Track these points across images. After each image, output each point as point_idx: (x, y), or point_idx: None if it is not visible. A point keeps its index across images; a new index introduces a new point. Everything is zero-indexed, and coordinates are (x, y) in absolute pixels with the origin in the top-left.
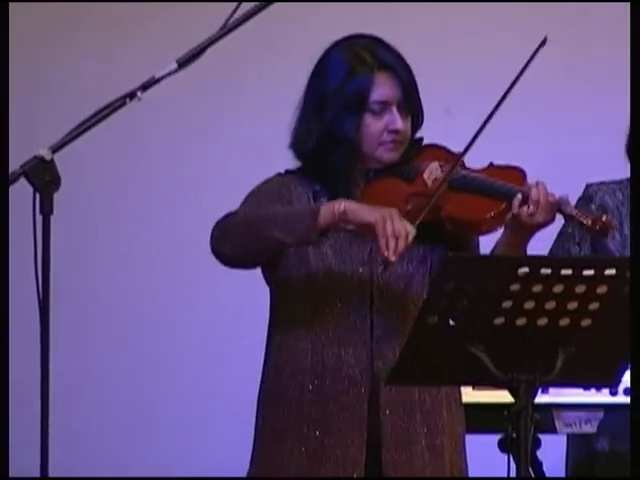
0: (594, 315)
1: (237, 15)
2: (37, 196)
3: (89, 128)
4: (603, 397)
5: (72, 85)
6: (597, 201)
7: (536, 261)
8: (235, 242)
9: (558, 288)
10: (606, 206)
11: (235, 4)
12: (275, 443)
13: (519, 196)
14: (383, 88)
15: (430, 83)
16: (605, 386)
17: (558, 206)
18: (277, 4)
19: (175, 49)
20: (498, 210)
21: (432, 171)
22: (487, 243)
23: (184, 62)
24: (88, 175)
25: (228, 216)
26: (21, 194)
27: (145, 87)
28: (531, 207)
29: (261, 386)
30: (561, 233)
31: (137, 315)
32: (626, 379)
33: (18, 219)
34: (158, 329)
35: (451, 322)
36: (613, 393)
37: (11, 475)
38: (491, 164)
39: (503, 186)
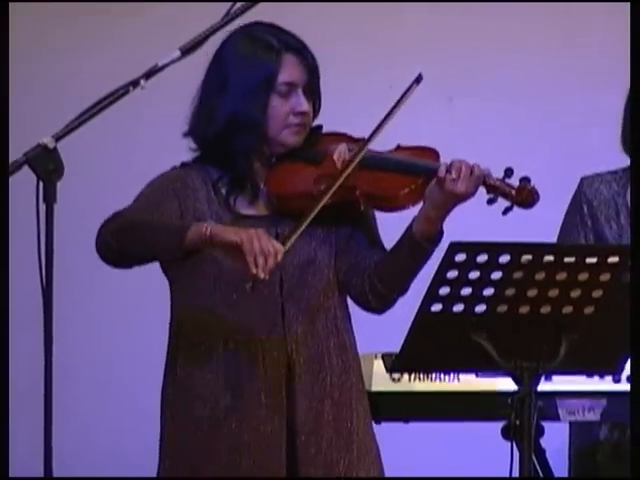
0: (597, 303)
1: (240, 3)
2: (40, 185)
3: (93, 116)
4: (606, 385)
5: (75, 73)
6: (591, 194)
7: (539, 249)
8: (114, 247)
9: (561, 276)
10: (601, 197)
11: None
12: (187, 437)
13: (442, 167)
14: (290, 70)
15: (433, 72)
16: (608, 374)
17: (482, 178)
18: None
19: (178, 38)
20: (416, 185)
21: (341, 152)
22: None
23: (187, 50)
24: (92, 163)
25: (113, 217)
26: (24, 183)
27: (148, 75)
28: (454, 173)
29: (167, 377)
30: (565, 222)
31: (140, 305)
32: (629, 366)
33: (21, 208)
34: (163, 318)
35: (456, 308)
36: (616, 381)
37: (13, 475)
38: (399, 146)
39: (421, 163)
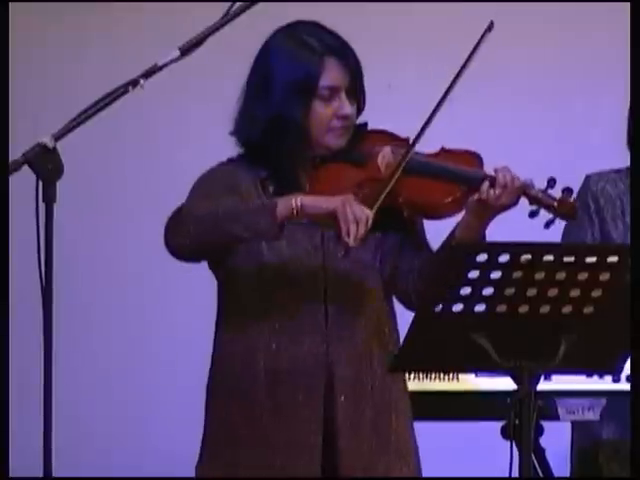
0: (596, 302)
1: (239, 3)
2: (40, 184)
3: (92, 116)
4: (605, 384)
5: (74, 73)
6: (598, 192)
7: (539, 248)
8: (193, 237)
9: (560, 275)
10: (607, 196)
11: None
12: (227, 434)
13: (487, 180)
14: (332, 73)
15: (433, 73)
16: (607, 373)
17: (523, 189)
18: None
19: (178, 36)
20: (459, 194)
21: (385, 156)
22: (446, 227)
23: (186, 50)
24: (91, 163)
25: (181, 210)
26: (24, 182)
27: (147, 75)
28: (498, 190)
29: (211, 373)
30: (574, 224)
31: (138, 304)
32: (629, 366)
33: (21, 207)
34: (160, 319)
35: (456, 308)
36: (615, 380)
37: (12, 475)
38: (443, 148)
39: (467, 171)
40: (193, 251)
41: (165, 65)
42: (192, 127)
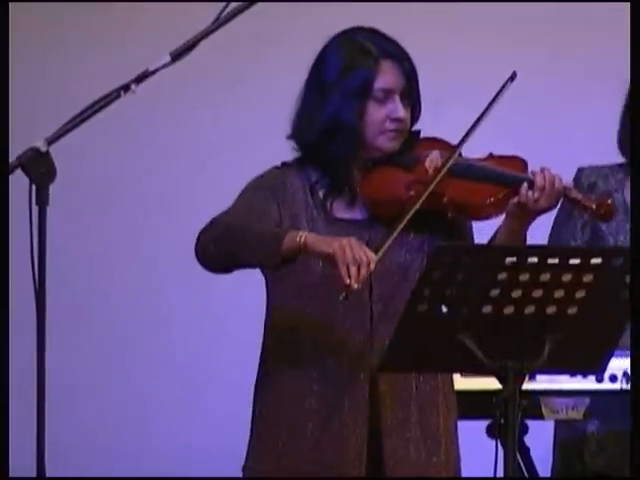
0: (580, 303)
1: (229, 8)
2: (33, 187)
3: (84, 120)
4: (589, 384)
5: (69, 78)
6: (589, 186)
7: (523, 250)
8: (212, 252)
9: (545, 277)
10: (598, 191)
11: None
12: (274, 433)
13: (525, 183)
14: (387, 76)
15: (420, 76)
16: (591, 373)
17: (564, 192)
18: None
19: (170, 42)
20: (500, 196)
21: (433, 159)
22: (488, 230)
23: (177, 55)
24: (84, 166)
25: (213, 223)
26: (17, 185)
27: (139, 80)
28: (536, 193)
29: (259, 376)
30: (564, 216)
31: (132, 305)
32: (612, 366)
33: (14, 210)
34: (155, 320)
35: (443, 308)
36: (599, 380)
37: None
38: (491, 154)
39: (507, 173)
40: (215, 265)
41: (156, 70)
42: (187, 132)
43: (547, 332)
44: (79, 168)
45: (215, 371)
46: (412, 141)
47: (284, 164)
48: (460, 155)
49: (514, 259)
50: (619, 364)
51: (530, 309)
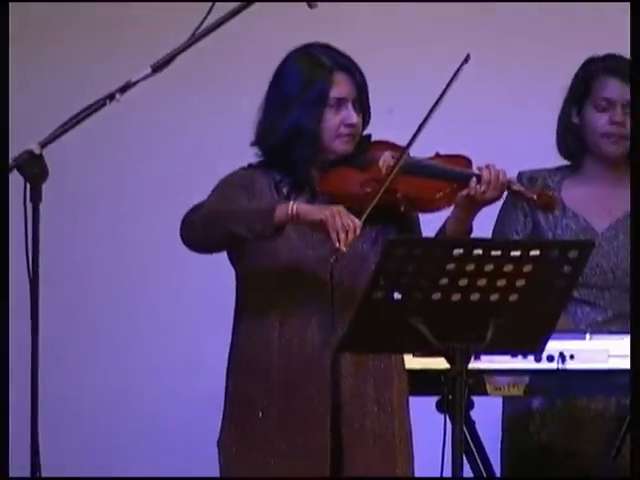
0: (520, 291)
1: (205, 25)
2: (27, 186)
3: (74, 125)
4: (529, 363)
5: (60, 86)
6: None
7: (469, 243)
8: (201, 232)
9: (488, 267)
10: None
11: (202, 15)
12: (245, 408)
13: (474, 177)
14: (341, 86)
15: (374, 85)
16: (530, 353)
17: (507, 185)
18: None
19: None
20: (449, 190)
21: (386, 159)
22: (435, 221)
23: (157, 67)
24: (74, 167)
25: (196, 208)
26: (13, 185)
27: (123, 90)
28: (483, 186)
29: (231, 355)
30: (508, 212)
31: (125, 300)
32: (549, 347)
33: (11, 207)
34: (154, 315)
35: (396, 296)
36: (537, 360)
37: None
38: (437, 154)
39: (455, 169)
40: (203, 245)
41: (138, 81)
42: (171, 132)
43: (490, 317)
44: (69, 169)
45: (207, 363)
46: (364, 144)
47: (250, 165)
48: (409, 155)
49: (461, 251)
50: (555, 346)
51: (475, 296)
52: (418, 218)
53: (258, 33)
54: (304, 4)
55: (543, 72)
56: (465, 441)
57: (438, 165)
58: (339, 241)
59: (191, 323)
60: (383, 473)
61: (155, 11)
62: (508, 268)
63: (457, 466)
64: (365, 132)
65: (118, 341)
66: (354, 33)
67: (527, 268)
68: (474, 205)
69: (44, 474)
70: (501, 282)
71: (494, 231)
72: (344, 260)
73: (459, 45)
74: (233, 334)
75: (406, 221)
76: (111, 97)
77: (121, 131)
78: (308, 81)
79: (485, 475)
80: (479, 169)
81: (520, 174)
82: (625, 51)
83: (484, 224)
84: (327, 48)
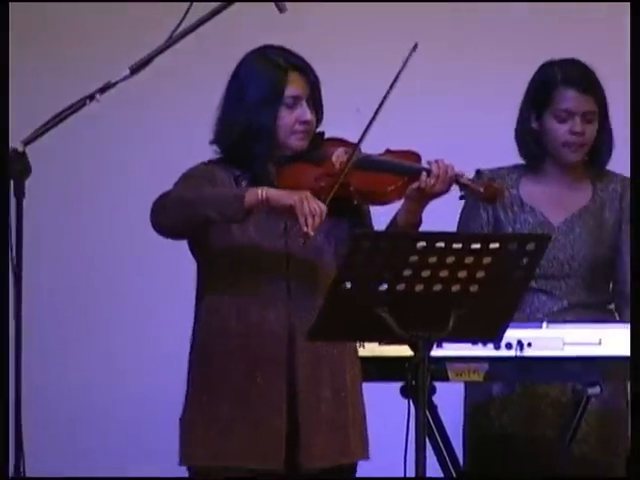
0: (480, 282)
1: (180, 28)
2: (11, 183)
3: (56, 124)
4: (488, 351)
5: (50, 85)
6: None
7: (432, 236)
8: (173, 217)
9: (450, 259)
10: None
11: (178, 19)
12: (206, 392)
13: (424, 171)
14: (295, 85)
15: (341, 85)
16: (490, 341)
17: (455, 178)
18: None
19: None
20: (400, 184)
21: (339, 155)
22: (384, 213)
23: (136, 69)
24: (55, 164)
25: (164, 195)
26: None
27: (102, 90)
28: (433, 180)
29: (192, 341)
30: (471, 210)
31: (113, 293)
32: (507, 335)
33: None
34: (147, 312)
35: (361, 287)
36: (496, 347)
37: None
38: (388, 150)
39: (405, 164)
40: (173, 229)
41: (117, 82)
42: (167, 124)
43: (452, 307)
44: (51, 166)
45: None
46: (318, 140)
47: (210, 161)
48: (361, 151)
49: (424, 244)
50: (514, 334)
51: (437, 287)
52: (369, 210)
53: (238, 32)
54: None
55: (506, 72)
56: (428, 424)
57: (389, 160)
58: (307, 225)
59: (185, 317)
60: (338, 455)
61: (142, 11)
62: (469, 260)
63: (420, 448)
64: (322, 129)
65: (106, 335)
66: (322, 33)
67: (487, 260)
68: (424, 198)
69: (32, 474)
70: (462, 273)
71: (459, 227)
72: (300, 252)
73: (426, 45)
74: (194, 321)
75: (358, 214)
76: (91, 97)
77: (105, 128)
78: (264, 81)
79: (446, 456)
80: (429, 163)
81: (478, 172)
82: (622, 52)
83: (435, 219)
84: (282, 49)
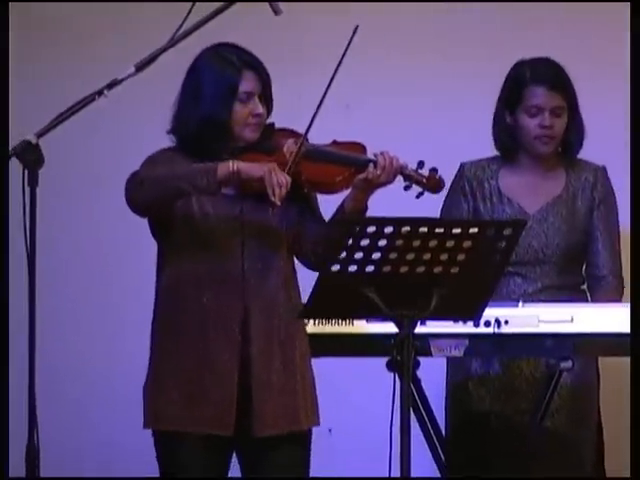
0: (461, 264)
1: (182, 30)
2: (25, 172)
3: (67, 118)
4: (468, 328)
5: (55, 83)
6: (471, 177)
7: (416, 222)
8: (150, 192)
9: (433, 243)
10: (478, 180)
11: (180, 20)
12: (165, 361)
13: (372, 163)
14: (248, 82)
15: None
16: (469, 319)
17: (400, 169)
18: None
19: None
20: (347, 174)
21: (290, 146)
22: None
23: (140, 67)
24: (66, 155)
25: (136, 174)
26: (13, 171)
27: (110, 86)
28: (379, 171)
29: (154, 315)
30: (450, 198)
31: (126, 283)
32: (486, 314)
33: (11, 191)
34: (139, 286)
35: (350, 269)
36: (476, 325)
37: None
38: (334, 141)
39: (352, 156)
40: (150, 204)
41: (124, 79)
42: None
43: (434, 287)
44: (62, 157)
45: None
46: (269, 131)
47: (170, 148)
48: (309, 142)
49: (408, 228)
50: (492, 312)
51: (421, 269)
52: (317, 197)
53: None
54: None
55: (485, 69)
56: (412, 396)
57: (338, 152)
58: (274, 195)
59: None
60: (288, 421)
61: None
62: (450, 244)
63: (405, 418)
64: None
65: (120, 321)
66: (314, 33)
67: (467, 244)
68: (370, 187)
69: (44, 473)
70: (444, 256)
71: (441, 215)
72: (254, 235)
73: (412, 43)
74: (155, 294)
75: (307, 200)
76: (99, 93)
77: (113, 122)
78: (220, 78)
79: (429, 426)
80: (375, 155)
81: (462, 165)
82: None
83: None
84: (236, 48)
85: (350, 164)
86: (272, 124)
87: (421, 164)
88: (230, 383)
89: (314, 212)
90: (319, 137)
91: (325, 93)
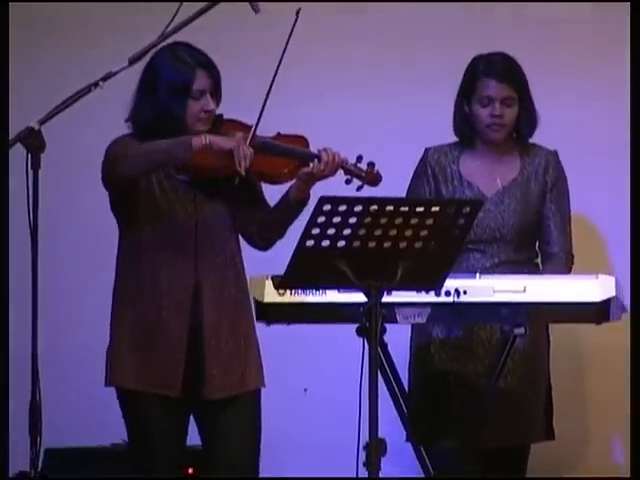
0: (424, 239)
1: (172, 26)
2: (29, 156)
3: (66, 107)
4: (430, 297)
5: (57, 74)
6: (433, 162)
7: (382, 201)
8: (134, 164)
9: (398, 220)
10: (441, 165)
11: (171, 14)
12: (123, 327)
13: (316, 158)
14: (201, 80)
15: (306, 71)
16: (432, 289)
17: (341, 164)
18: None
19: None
20: (292, 167)
21: (239, 139)
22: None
23: (133, 60)
24: (66, 140)
25: (114, 151)
26: (17, 154)
27: (105, 78)
28: (322, 165)
29: (114, 285)
30: (414, 181)
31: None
32: (447, 285)
33: (15, 173)
34: None
35: (324, 244)
36: (437, 294)
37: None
38: (279, 133)
39: (298, 150)
40: (132, 176)
41: (117, 72)
42: None
43: (400, 260)
44: (63, 142)
45: None
46: (217, 122)
47: (129, 134)
48: (257, 134)
49: (376, 207)
50: (452, 283)
51: (388, 244)
52: (262, 186)
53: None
54: (260, 4)
55: (449, 59)
56: (379, 360)
57: (284, 146)
58: (240, 166)
59: None
60: (235, 384)
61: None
62: (414, 221)
63: (373, 380)
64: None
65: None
66: (308, 33)
67: (429, 221)
68: (313, 179)
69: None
70: (408, 232)
71: (407, 196)
72: (207, 217)
73: (390, 32)
74: (116, 265)
75: (253, 188)
76: (95, 84)
77: (107, 110)
78: (176, 76)
79: (395, 386)
80: (319, 151)
81: (426, 150)
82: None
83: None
84: (190, 47)
85: (295, 158)
86: (220, 115)
87: (360, 158)
88: (179, 348)
89: (260, 198)
90: (293, 126)
91: (272, 83)
